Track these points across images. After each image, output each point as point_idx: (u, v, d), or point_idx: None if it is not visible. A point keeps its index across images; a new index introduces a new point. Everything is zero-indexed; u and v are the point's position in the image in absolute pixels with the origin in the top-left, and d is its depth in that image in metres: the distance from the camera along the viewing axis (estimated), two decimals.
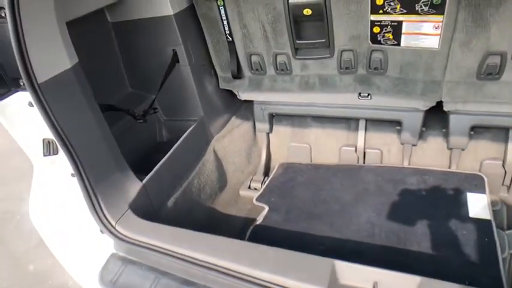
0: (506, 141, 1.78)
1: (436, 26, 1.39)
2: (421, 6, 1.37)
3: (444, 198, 1.72)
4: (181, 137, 1.76)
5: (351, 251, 1.54)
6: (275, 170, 2.15)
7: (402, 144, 1.95)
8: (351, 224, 1.68)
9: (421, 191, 1.78)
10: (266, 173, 2.23)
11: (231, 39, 1.75)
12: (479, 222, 1.58)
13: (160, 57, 1.73)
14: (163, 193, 1.60)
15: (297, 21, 1.59)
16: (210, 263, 1.18)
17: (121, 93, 1.93)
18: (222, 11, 1.65)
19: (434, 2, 1.33)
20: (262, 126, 2.18)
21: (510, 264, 1.48)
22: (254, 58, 1.81)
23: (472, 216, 1.61)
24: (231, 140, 2.09)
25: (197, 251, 1.19)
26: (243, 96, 2.08)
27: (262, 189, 1.99)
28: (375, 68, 1.64)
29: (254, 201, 1.91)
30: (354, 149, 2.06)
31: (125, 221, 1.32)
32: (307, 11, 1.53)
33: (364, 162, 2.06)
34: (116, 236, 1.27)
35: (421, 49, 1.49)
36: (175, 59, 1.73)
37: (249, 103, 2.16)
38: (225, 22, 1.69)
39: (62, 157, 1.22)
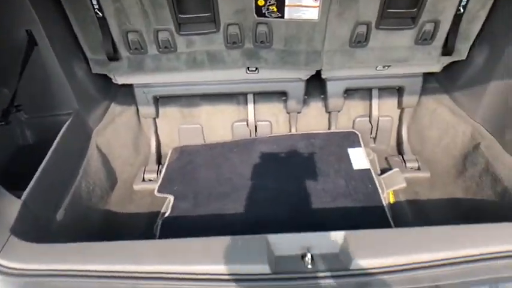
0: (370, 99, 2.08)
1: None
2: None
3: (331, 156, 1.92)
4: (52, 136, 1.47)
5: (265, 221, 1.59)
6: (169, 156, 2.02)
7: (288, 113, 2.07)
8: (258, 196, 1.72)
9: (311, 154, 1.95)
10: (159, 161, 2.08)
11: (101, 14, 1.51)
12: (362, 172, 1.82)
13: (12, 41, 1.38)
14: (50, 206, 1.32)
15: None
16: (129, 272, 1.05)
17: None
18: None
19: None
20: (147, 111, 2.00)
21: (389, 200, 1.78)
22: (132, 36, 1.61)
23: (356, 169, 1.85)
24: (113, 131, 1.86)
25: (108, 262, 1.04)
26: (121, 79, 1.85)
27: (160, 179, 1.85)
28: (261, 42, 1.66)
29: (156, 193, 1.77)
30: (245, 123, 2.09)
31: (9, 250, 1.05)
32: None
33: (256, 135, 2.12)
34: (1, 273, 1.00)
35: (303, 21, 1.57)
36: (32, 41, 1.40)
37: (129, 87, 1.94)
38: None
39: None
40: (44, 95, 1.56)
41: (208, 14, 1.54)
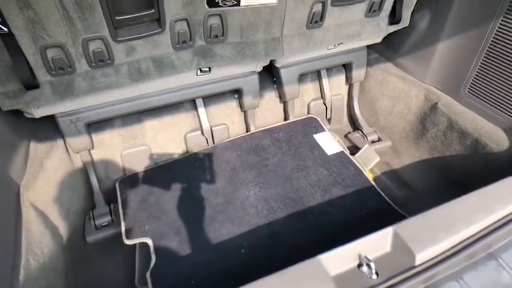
0: (319, 80, 2.03)
1: None
2: None
3: (302, 148, 1.81)
4: None
5: (271, 236, 1.41)
6: (118, 192, 1.65)
7: (245, 111, 1.89)
8: (248, 209, 1.53)
9: (280, 149, 1.81)
10: (107, 200, 1.69)
11: (6, 29, 1.09)
12: (337, 156, 1.77)
13: None
14: None
15: None
16: None
17: None
18: None
19: None
20: (79, 143, 1.59)
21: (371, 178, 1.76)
22: (52, 53, 1.22)
23: (330, 154, 1.78)
24: (45, 179, 1.43)
25: None
26: (40, 112, 1.42)
27: (123, 223, 1.50)
28: (215, 36, 1.44)
29: (126, 241, 1.42)
30: (200, 132, 1.84)
31: None
32: None
33: (213, 142, 1.89)
34: None
35: (260, 6, 1.39)
36: None
37: (49, 117, 1.51)
38: None
39: None
40: None
41: (151, 11, 1.25)
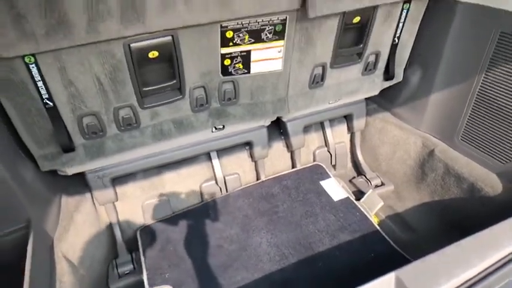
0: (323, 130, 2.19)
1: (279, 50, 1.52)
2: (266, 34, 1.44)
3: (309, 194, 1.94)
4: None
5: (284, 283, 1.51)
6: (140, 240, 1.77)
7: (255, 161, 2.04)
8: (261, 256, 1.63)
9: (289, 196, 1.94)
10: (129, 249, 1.81)
11: (52, 104, 1.28)
12: (344, 202, 1.88)
13: None
14: None
15: (141, 66, 1.34)
16: None
17: None
18: (35, 71, 1.17)
19: (276, 29, 1.44)
20: (105, 197, 1.74)
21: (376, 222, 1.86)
22: (88, 120, 1.40)
23: (337, 200, 1.90)
24: (76, 231, 1.56)
25: None
26: (73, 170, 1.58)
27: (145, 271, 1.60)
28: (228, 99, 1.62)
29: None
30: (214, 181, 1.98)
31: None
32: (153, 54, 1.31)
33: (227, 190, 2.02)
34: None
35: (268, 72, 1.58)
36: None
37: (78, 174, 1.67)
38: (41, 84, 1.21)
39: None
40: None
41: (173, 82, 1.44)
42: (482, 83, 1.60)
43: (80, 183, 1.70)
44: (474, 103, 1.66)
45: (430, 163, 1.89)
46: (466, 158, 1.75)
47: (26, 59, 1.14)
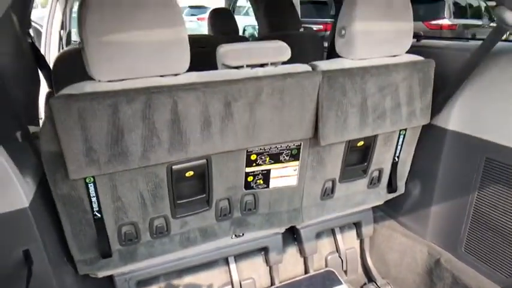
0: (335, 237, 2.33)
1: (294, 169, 1.76)
2: (284, 157, 1.70)
3: None
4: None
5: None
6: None
7: (270, 266, 2.14)
8: None
9: None
10: None
11: (99, 215, 1.48)
12: None
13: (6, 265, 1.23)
14: None
15: (178, 183, 1.57)
16: None
17: None
18: (92, 189, 1.40)
19: (293, 152, 1.70)
20: None
21: None
22: (126, 228, 1.58)
23: None
24: None
25: None
26: (103, 273, 1.71)
27: None
28: (249, 210, 1.81)
29: None
30: (230, 286, 2.06)
31: None
32: (189, 173, 1.55)
33: None
34: None
35: (285, 187, 1.80)
36: (29, 262, 1.27)
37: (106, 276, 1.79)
38: (94, 199, 1.43)
39: None
40: None
41: (203, 196, 1.66)
42: (476, 201, 1.79)
43: (107, 285, 1.81)
44: (472, 218, 1.82)
45: (438, 272, 1.98)
46: (472, 270, 1.84)
47: (87, 180, 1.37)
